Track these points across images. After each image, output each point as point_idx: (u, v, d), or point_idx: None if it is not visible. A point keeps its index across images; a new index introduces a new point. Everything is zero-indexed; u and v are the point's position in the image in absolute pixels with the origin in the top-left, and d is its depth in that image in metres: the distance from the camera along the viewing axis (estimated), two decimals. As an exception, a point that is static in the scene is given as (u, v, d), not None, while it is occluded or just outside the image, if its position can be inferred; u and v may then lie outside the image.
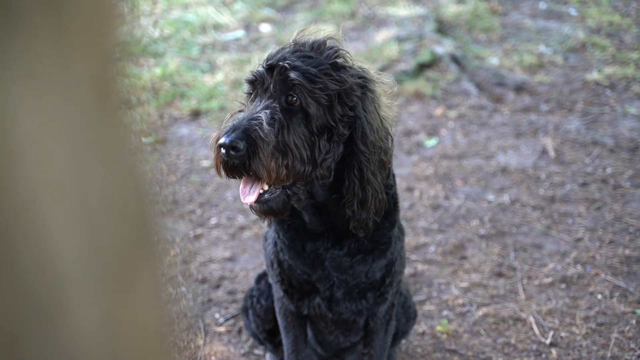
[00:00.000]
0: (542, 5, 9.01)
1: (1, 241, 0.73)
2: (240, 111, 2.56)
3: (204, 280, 4.48)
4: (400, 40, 7.98)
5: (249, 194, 2.47)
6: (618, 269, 4.36)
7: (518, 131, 6.17)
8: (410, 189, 5.37)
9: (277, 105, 2.45)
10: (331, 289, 2.89)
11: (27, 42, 0.71)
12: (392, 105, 2.81)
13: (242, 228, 5.00)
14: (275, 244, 2.95)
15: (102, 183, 0.82)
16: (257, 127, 2.36)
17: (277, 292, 3.10)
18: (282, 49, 2.57)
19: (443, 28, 8.41)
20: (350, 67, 2.58)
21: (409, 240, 4.73)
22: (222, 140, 2.34)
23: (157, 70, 7.49)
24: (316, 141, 2.47)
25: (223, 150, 2.34)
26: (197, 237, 4.94)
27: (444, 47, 7.62)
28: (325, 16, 8.85)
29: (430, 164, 5.73)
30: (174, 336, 1.03)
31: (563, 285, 4.25)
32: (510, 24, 8.53)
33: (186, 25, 8.80)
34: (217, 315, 4.19)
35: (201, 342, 3.97)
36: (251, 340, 3.96)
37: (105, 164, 0.83)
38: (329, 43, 2.59)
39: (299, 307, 3.04)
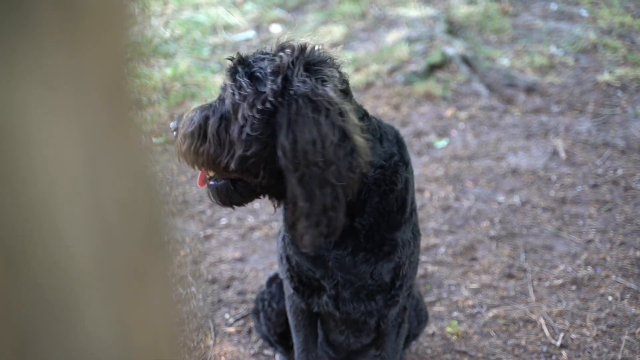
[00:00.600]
0: (553, 6, 8.98)
1: (12, 242, 0.73)
2: None
3: (214, 281, 4.49)
4: (410, 41, 7.97)
5: (198, 179, 2.67)
6: (629, 270, 4.35)
7: (529, 132, 6.15)
8: (420, 190, 5.36)
9: (217, 97, 2.59)
10: (336, 287, 2.88)
11: (37, 40, 0.71)
12: (354, 113, 2.58)
13: (252, 229, 5.00)
14: (283, 239, 2.96)
15: (113, 184, 0.82)
16: (203, 119, 2.53)
17: (287, 289, 3.09)
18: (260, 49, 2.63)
19: (454, 29, 8.39)
20: (297, 76, 2.47)
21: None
22: (171, 125, 2.60)
23: (168, 71, 7.50)
24: (231, 135, 2.50)
25: (174, 134, 2.59)
26: (207, 237, 4.95)
27: (454, 48, 7.61)
28: (335, 17, 8.85)
29: (440, 165, 5.72)
30: (184, 336, 1.03)
31: (574, 287, 4.24)
32: (521, 25, 8.51)
33: (197, 25, 8.81)
34: (227, 316, 4.20)
35: (211, 342, 3.98)
36: (261, 341, 3.96)
37: (117, 164, 0.83)
38: (291, 49, 2.54)
39: (309, 304, 3.04)
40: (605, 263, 4.43)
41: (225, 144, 2.50)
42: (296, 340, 3.22)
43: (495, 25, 8.47)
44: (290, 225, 2.58)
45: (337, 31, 8.36)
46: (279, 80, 2.45)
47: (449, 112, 6.57)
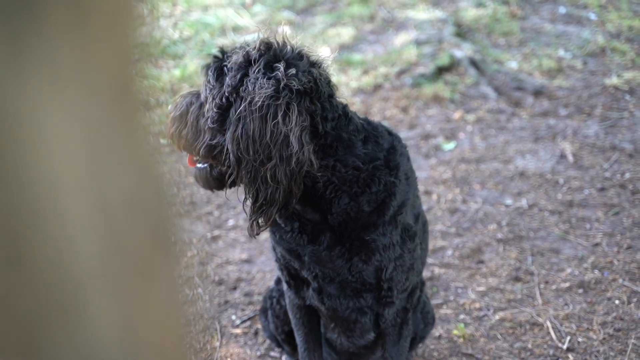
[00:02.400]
0: (562, 10, 8.97)
1: (20, 241, 0.74)
2: None
3: (220, 282, 4.49)
4: (419, 43, 7.96)
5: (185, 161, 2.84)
6: (636, 274, 4.34)
7: (536, 135, 6.15)
8: (428, 193, 5.36)
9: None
10: (317, 280, 2.90)
11: (46, 38, 0.72)
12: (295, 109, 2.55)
13: (259, 230, 5.00)
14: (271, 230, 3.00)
15: (119, 182, 0.83)
16: (185, 107, 2.73)
17: (284, 284, 3.12)
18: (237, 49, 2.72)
19: (462, 32, 8.39)
20: (258, 72, 2.52)
21: (426, 243, 4.73)
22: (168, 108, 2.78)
23: (177, 72, 7.52)
24: (200, 123, 2.66)
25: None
26: (215, 238, 4.95)
27: (462, 51, 7.61)
28: (344, 19, 8.85)
29: (448, 167, 5.72)
30: (191, 337, 1.04)
31: (580, 290, 4.23)
32: (530, 28, 8.50)
33: (205, 27, 8.82)
34: (233, 317, 4.20)
35: (217, 343, 3.98)
36: (267, 343, 3.96)
37: (123, 163, 0.84)
38: (258, 46, 2.63)
39: (303, 298, 3.06)
40: (613, 266, 4.43)
41: (200, 131, 2.64)
42: (298, 338, 3.24)
43: (503, 28, 8.46)
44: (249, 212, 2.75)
45: (345, 33, 8.36)
46: (238, 76, 2.55)
47: (456, 115, 6.57)
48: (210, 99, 2.58)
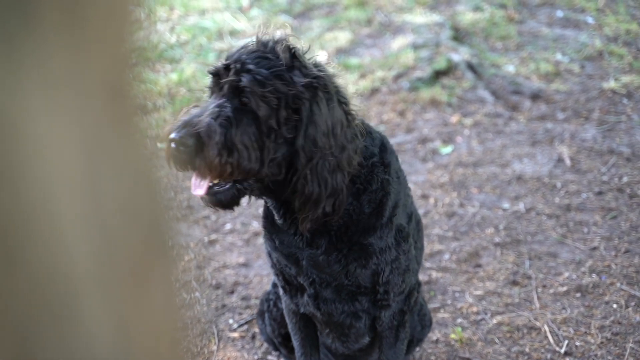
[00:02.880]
0: (559, 14, 8.98)
1: (13, 243, 0.73)
2: (195, 106, 2.59)
3: (218, 286, 4.49)
4: (416, 47, 7.97)
5: (198, 187, 2.54)
6: (634, 278, 4.34)
7: (534, 139, 6.15)
8: (425, 196, 5.36)
9: (229, 105, 2.49)
10: (314, 285, 2.89)
11: (40, 41, 0.72)
12: (354, 98, 2.76)
13: (256, 234, 5.00)
14: (265, 235, 2.99)
15: (115, 187, 0.83)
16: (204, 125, 2.42)
17: (280, 289, 3.12)
18: (243, 47, 2.61)
19: (459, 36, 8.40)
20: (305, 67, 2.58)
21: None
22: (172, 136, 2.39)
23: (174, 76, 7.52)
24: (265, 142, 2.50)
25: (173, 145, 2.39)
26: (212, 242, 4.95)
27: (460, 55, 7.62)
28: (341, 23, 8.86)
29: (445, 171, 5.72)
30: (188, 341, 1.03)
31: (578, 294, 4.23)
32: (527, 32, 8.51)
33: (203, 31, 8.82)
34: (230, 321, 4.20)
35: (215, 347, 3.98)
36: (265, 346, 3.96)
37: (119, 167, 0.83)
38: (285, 43, 2.59)
39: (296, 304, 3.05)
40: (610, 270, 4.42)
41: (258, 151, 2.50)
42: (295, 343, 3.24)
43: (501, 32, 8.47)
44: (291, 212, 2.70)
45: (342, 37, 8.37)
46: (303, 75, 2.55)
47: (454, 119, 6.57)
48: (283, 109, 2.50)
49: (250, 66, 2.50)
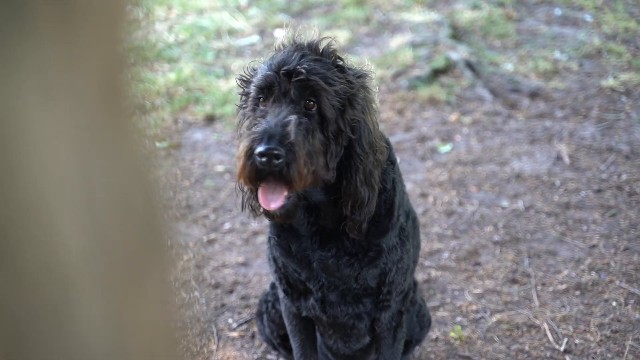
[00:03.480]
0: (557, 12, 8.98)
1: (8, 241, 0.73)
2: (260, 117, 2.49)
3: (217, 285, 4.48)
4: (414, 46, 7.97)
5: (273, 200, 2.43)
6: (633, 276, 4.34)
7: (533, 137, 6.15)
8: (424, 195, 5.36)
9: (300, 111, 2.45)
10: (322, 290, 2.89)
11: (36, 41, 0.71)
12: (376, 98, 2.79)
13: (255, 233, 5.00)
14: (269, 240, 2.97)
15: (110, 186, 0.82)
16: (293, 135, 2.35)
17: (280, 292, 3.11)
18: (289, 52, 2.55)
19: (458, 34, 8.39)
20: (349, 68, 2.59)
21: (423, 246, 4.71)
22: (261, 148, 2.30)
23: (172, 75, 7.51)
24: (329, 145, 2.48)
25: (263, 159, 2.30)
26: (211, 241, 4.95)
27: (458, 53, 7.61)
28: (339, 22, 8.86)
29: (444, 169, 5.72)
30: (187, 341, 1.03)
31: (577, 292, 4.23)
32: (525, 30, 8.51)
33: (201, 30, 8.82)
34: (230, 320, 4.19)
35: (214, 347, 3.97)
36: (264, 346, 3.96)
37: (114, 167, 0.83)
38: (324, 44, 2.58)
39: (298, 308, 3.04)
40: (609, 268, 4.43)
41: (324, 157, 2.49)
42: (293, 345, 3.23)
43: (499, 31, 8.47)
44: (316, 216, 2.71)
45: (341, 36, 8.36)
46: (352, 74, 2.58)
47: (453, 117, 6.57)
48: (349, 108, 2.51)
49: (314, 67, 2.48)
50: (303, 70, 2.44)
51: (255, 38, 8.60)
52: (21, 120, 0.71)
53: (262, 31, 8.82)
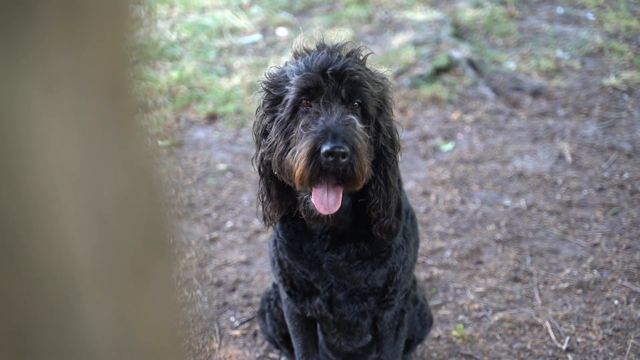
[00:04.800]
0: (560, 10, 8.97)
1: (13, 241, 0.73)
2: (308, 119, 2.46)
3: (219, 284, 4.49)
4: (417, 44, 7.97)
5: (334, 204, 2.44)
6: (635, 274, 4.34)
7: (535, 136, 6.15)
8: (426, 194, 5.36)
9: (351, 111, 2.46)
10: (330, 290, 2.89)
11: (39, 39, 0.71)
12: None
13: (257, 232, 5.00)
14: (275, 242, 2.96)
15: (115, 185, 0.82)
16: (354, 133, 2.36)
17: (283, 293, 3.10)
18: (330, 54, 2.54)
19: (460, 32, 8.39)
20: (375, 71, 2.63)
21: (425, 244, 4.72)
22: (327, 147, 2.30)
23: (174, 74, 7.51)
24: (370, 145, 2.51)
25: (329, 158, 2.30)
26: (213, 240, 4.95)
27: (460, 52, 7.61)
28: (342, 20, 8.85)
29: (446, 168, 5.72)
30: (189, 339, 1.03)
31: (579, 291, 4.23)
32: (528, 29, 8.50)
33: (203, 29, 8.82)
34: (232, 319, 4.20)
35: (216, 345, 3.98)
36: (266, 344, 3.96)
37: (118, 165, 0.83)
38: (350, 47, 2.60)
39: (302, 309, 3.04)
40: (612, 267, 4.42)
41: (369, 155, 2.48)
42: (295, 345, 3.23)
43: (501, 29, 8.46)
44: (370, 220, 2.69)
45: (343, 34, 8.32)
46: (380, 75, 2.65)
47: (455, 116, 6.57)
48: (387, 107, 2.55)
49: (360, 69, 2.50)
50: (354, 70, 2.46)
51: (257, 36, 8.60)
52: (26, 119, 0.71)
53: (264, 29, 8.82)
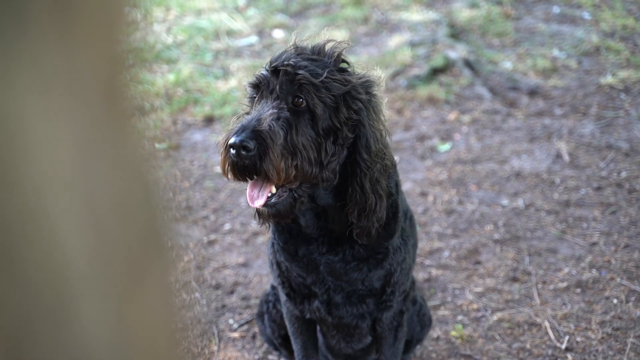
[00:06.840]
0: (556, 10, 8.98)
1: (8, 243, 0.73)
2: (246, 113, 2.55)
3: (217, 286, 4.48)
4: (413, 45, 7.97)
5: (257, 198, 2.45)
6: (634, 273, 4.34)
7: (532, 135, 6.15)
8: (424, 194, 5.36)
9: (285, 106, 2.44)
10: (328, 292, 2.88)
11: (33, 38, 0.71)
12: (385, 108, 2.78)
13: (255, 234, 5.00)
14: (272, 245, 2.96)
15: (110, 187, 0.82)
16: (266, 127, 2.35)
17: (282, 295, 3.10)
18: (284, 52, 2.57)
19: (456, 33, 8.39)
20: (355, 73, 2.60)
21: (423, 245, 4.72)
22: (232, 140, 2.32)
23: (171, 77, 7.51)
24: (322, 143, 2.47)
25: (233, 151, 2.33)
26: (211, 242, 4.95)
27: (457, 52, 7.61)
28: (338, 21, 8.86)
29: (444, 168, 5.72)
30: (188, 342, 1.03)
31: (578, 290, 4.23)
32: (524, 28, 8.51)
33: (199, 31, 8.82)
34: (231, 321, 4.19)
35: (215, 348, 3.97)
36: (265, 346, 3.95)
37: (114, 167, 0.83)
38: (329, 46, 2.58)
39: (301, 311, 3.04)
40: (610, 266, 4.42)
41: (316, 153, 2.47)
42: (295, 347, 3.23)
43: (497, 29, 8.47)
44: (324, 220, 2.70)
45: (339, 36, 8.35)
46: (354, 76, 2.59)
47: (452, 116, 6.57)
48: (344, 109, 2.49)
49: (303, 64, 2.48)
50: (292, 64, 2.45)
51: (253, 39, 8.60)
52: (20, 121, 0.71)
53: (261, 32, 8.82)
